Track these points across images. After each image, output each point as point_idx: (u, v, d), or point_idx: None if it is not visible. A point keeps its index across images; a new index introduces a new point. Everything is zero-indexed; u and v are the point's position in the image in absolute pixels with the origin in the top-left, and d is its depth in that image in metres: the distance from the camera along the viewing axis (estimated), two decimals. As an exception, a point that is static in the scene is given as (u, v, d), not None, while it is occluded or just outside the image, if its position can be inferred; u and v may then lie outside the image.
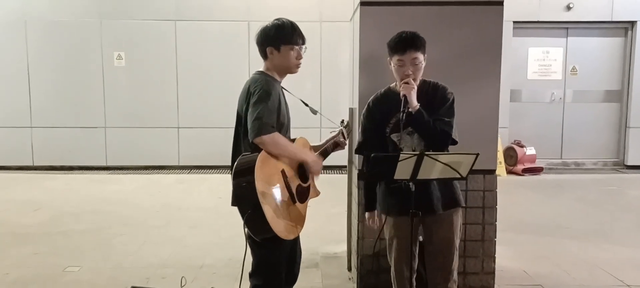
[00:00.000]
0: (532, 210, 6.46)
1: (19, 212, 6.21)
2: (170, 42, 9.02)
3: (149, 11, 8.98)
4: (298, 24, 2.75)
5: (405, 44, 2.64)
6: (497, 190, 3.62)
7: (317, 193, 2.83)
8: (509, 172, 8.89)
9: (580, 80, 9.48)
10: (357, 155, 3.33)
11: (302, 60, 2.77)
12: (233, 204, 2.56)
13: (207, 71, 9.04)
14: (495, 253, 3.68)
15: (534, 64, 9.50)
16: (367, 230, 3.55)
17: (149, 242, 5.06)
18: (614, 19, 9.15)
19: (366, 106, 2.90)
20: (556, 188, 7.81)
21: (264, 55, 2.73)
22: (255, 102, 2.52)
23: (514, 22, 8.87)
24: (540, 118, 9.50)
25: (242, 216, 2.46)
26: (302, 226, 2.67)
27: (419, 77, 2.71)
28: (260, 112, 2.48)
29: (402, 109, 2.58)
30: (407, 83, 2.61)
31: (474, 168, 2.44)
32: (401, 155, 2.37)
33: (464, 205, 2.83)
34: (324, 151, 2.91)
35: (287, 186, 2.55)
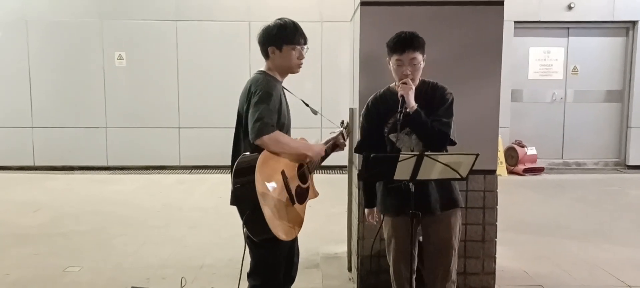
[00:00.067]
0: (532, 210, 6.45)
1: (19, 213, 6.21)
2: (170, 42, 9.03)
3: (150, 11, 8.99)
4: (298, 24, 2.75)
5: (404, 44, 2.64)
6: (498, 190, 3.61)
7: (316, 194, 2.82)
8: (510, 172, 8.88)
9: (581, 80, 9.47)
10: (357, 155, 3.33)
11: (303, 60, 2.76)
12: (232, 204, 2.55)
13: (207, 71, 9.04)
14: (495, 254, 3.67)
15: (535, 63, 9.49)
16: (367, 231, 3.55)
17: (149, 243, 5.05)
18: (615, 19, 9.14)
19: (365, 106, 2.90)
20: (557, 188, 7.80)
21: (266, 54, 2.72)
22: (256, 102, 2.52)
23: (515, 22, 8.86)
24: (541, 118, 9.49)
25: (241, 216, 2.46)
26: (300, 228, 2.67)
27: (418, 78, 2.71)
28: (261, 113, 2.48)
29: (399, 109, 2.58)
30: (405, 83, 2.61)
31: (474, 168, 2.44)
32: (401, 155, 2.36)
33: (462, 205, 2.82)
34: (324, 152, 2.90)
35: (287, 187, 2.54)
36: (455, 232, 2.78)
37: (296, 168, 2.66)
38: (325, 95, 8.81)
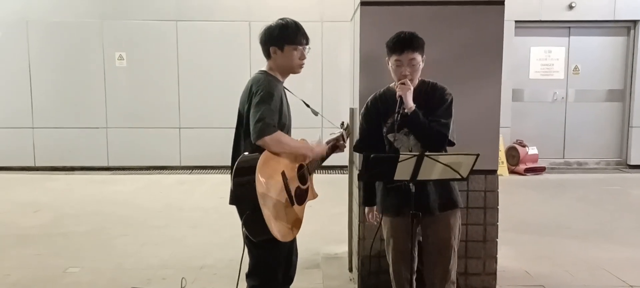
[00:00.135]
0: (534, 210, 6.44)
1: (20, 213, 6.21)
2: (171, 42, 9.02)
3: (150, 11, 8.98)
4: None
5: (403, 44, 2.64)
6: (499, 190, 3.61)
7: (315, 195, 2.82)
8: (511, 171, 8.87)
9: (583, 79, 9.45)
10: (358, 155, 3.32)
11: (305, 61, 2.76)
12: (231, 203, 2.55)
13: (208, 71, 9.03)
14: (497, 254, 3.66)
15: (536, 63, 9.47)
16: (368, 231, 3.54)
17: (149, 243, 5.05)
18: (617, 18, 9.12)
19: (365, 105, 2.90)
20: (558, 188, 7.78)
21: (267, 54, 2.72)
22: (257, 102, 2.51)
23: (516, 21, 8.84)
24: (542, 117, 9.47)
25: (241, 216, 2.45)
26: (298, 229, 2.66)
27: (417, 78, 2.71)
28: (263, 113, 2.47)
29: (397, 110, 2.58)
30: (403, 84, 2.61)
31: (475, 168, 2.43)
32: (401, 155, 2.36)
33: (461, 206, 2.81)
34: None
35: (287, 188, 2.54)
36: (454, 233, 2.77)
37: (296, 169, 2.65)
38: (326, 95, 8.80)
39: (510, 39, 8.65)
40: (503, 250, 3.79)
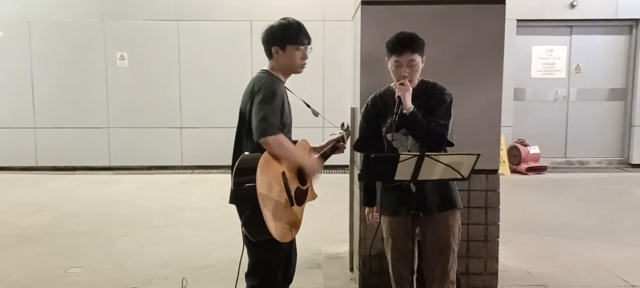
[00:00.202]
0: (535, 210, 6.42)
1: (21, 213, 6.22)
2: (172, 42, 9.02)
3: (151, 11, 8.98)
4: None
5: (403, 45, 2.63)
6: (500, 189, 3.60)
7: (315, 196, 2.81)
8: (513, 171, 8.85)
9: (585, 78, 9.43)
10: (358, 155, 3.31)
11: (307, 61, 2.75)
12: (231, 202, 2.54)
13: (209, 71, 9.04)
14: (498, 254, 3.65)
15: (538, 62, 9.45)
16: (369, 231, 3.53)
17: (150, 243, 5.05)
18: (619, 17, 9.09)
19: (365, 105, 2.90)
20: (560, 187, 7.76)
21: (269, 54, 2.71)
22: (260, 101, 2.50)
23: (518, 20, 8.82)
24: (544, 116, 9.45)
25: (240, 216, 2.45)
26: (297, 230, 2.66)
27: (416, 79, 2.71)
28: (266, 113, 2.46)
29: (395, 110, 2.57)
30: (402, 85, 2.60)
31: (476, 168, 2.42)
32: (402, 155, 2.35)
33: (461, 207, 2.80)
34: (324, 154, 2.90)
35: (287, 189, 2.53)
36: (453, 233, 2.76)
37: (296, 170, 2.64)
38: (327, 94, 8.79)
39: (512, 38, 8.62)
40: (504, 250, 3.78)
